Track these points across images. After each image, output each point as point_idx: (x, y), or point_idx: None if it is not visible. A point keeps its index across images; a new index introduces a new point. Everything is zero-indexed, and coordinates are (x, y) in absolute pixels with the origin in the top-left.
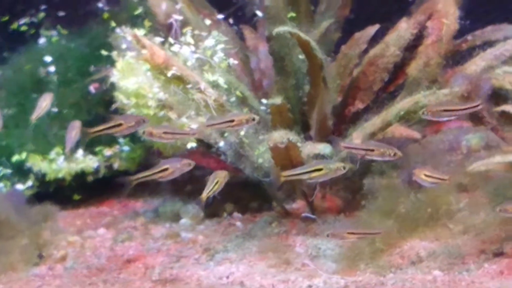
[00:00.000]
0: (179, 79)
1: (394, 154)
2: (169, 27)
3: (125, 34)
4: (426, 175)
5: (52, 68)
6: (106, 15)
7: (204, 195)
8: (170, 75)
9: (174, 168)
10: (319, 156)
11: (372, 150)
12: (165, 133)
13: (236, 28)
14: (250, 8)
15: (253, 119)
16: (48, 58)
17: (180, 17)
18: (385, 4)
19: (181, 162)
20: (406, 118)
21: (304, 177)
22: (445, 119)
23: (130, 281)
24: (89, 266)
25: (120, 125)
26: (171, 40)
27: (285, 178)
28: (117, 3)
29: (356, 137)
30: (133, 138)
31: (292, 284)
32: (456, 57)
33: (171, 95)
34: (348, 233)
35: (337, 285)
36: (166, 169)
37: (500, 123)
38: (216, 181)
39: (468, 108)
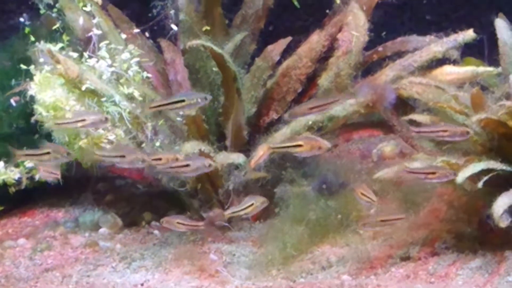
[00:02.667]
0: (93, 93)
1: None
2: (87, 41)
3: (42, 48)
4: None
5: None
6: (27, 30)
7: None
8: (84, 88)
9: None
10: (232, 166)
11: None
12: None
13: (153, 42)
14: (167, 21)
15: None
16: None
17: (99, 32)
18: (300, 17)
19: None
20: (315, 127)
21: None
22: None
23: None
24: (7, 276)
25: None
26: (87, 54)
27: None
28: (37, 18)
29: (261, 149)
30: None
31: None
32: (368, 68)
33: (87, 108)
34: None
35: None
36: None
37: (409, 131)
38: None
39: None
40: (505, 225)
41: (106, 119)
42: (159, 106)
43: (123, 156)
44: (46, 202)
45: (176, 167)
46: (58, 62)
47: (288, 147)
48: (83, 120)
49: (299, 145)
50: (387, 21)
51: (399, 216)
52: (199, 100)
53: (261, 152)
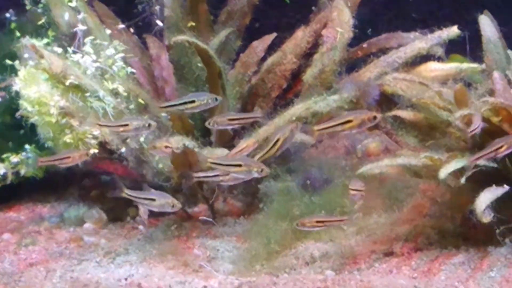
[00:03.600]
0: (77, 88)
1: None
2: (72, 36)
3: (27, 43)
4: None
5: None
6: (13, 25)
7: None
8: (68, 83)
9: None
10: None
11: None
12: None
13: (140, 37)
14: (153, 17)
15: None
16: None
17: (84, 27)
18: (286, 14)
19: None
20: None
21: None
22: None
23: (31, 284)
24: None
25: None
26: (71, 49)
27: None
28: (23, 13)
29: (244, 142)
30: (39, 145)
31: (189, 285)
32: (352, 65)
33: (71, 103)
34: None
35: (231, 285)
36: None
37: (393, 127)
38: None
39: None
40: (488, 221)
41: (150, 125)
42: (170, 106)
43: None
44: (31, 197)
45: None
46: (42, 57)
47: (336, 125)
48: (126, 125)
49: (348, 121)
50: (372, 19)
51: (337, 218)
52: (210, 101)
53: (244, 145)
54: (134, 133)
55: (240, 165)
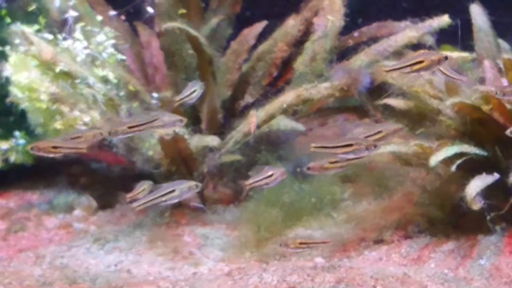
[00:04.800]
0: (67, 74)
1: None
2: (63, 23)
3: (17, 29)
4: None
5: None
6: (3, 12)
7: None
8: (58, 70)
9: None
10: (207, 148)
11: None
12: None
13: (130, 24)
14: (143, 5)
15: None
16: None
17: (75, 13)
18: (277, 3)
19: None
20: (290, 110)
21: None
22: None
23: (21, 270)
24: None
25: None
26: (61, 36)
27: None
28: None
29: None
30: (29, 131)
31: (178, 271)
32: (343, 53)
33: (61, 89)
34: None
35: (221, 272)
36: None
37: (384, 116)
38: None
39: None
40: (478, 208)
41: (181, 120)
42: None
43: None
44: (20, 184)
45: None
46: (31, 43)
47: (406, 66)
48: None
49: (419, 62)
50: (362, 8)
51: (320, 240)
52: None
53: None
54: (163, 129)
55: (351, 145)
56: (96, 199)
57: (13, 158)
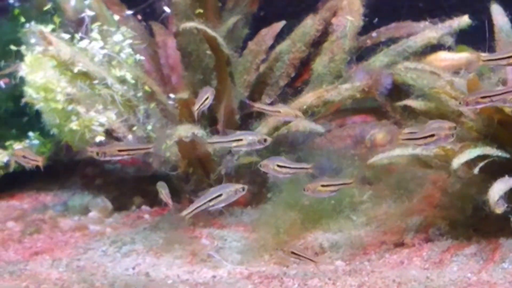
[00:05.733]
0: (85, 75)
1: None
2: (79, 22)
3: (34, 29)
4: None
5: None
6: (16, 11)
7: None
8: (76, 71)
9: None
10: (225, 150)
11: None
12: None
13: (146, 24)
14: (159, 4)
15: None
16: None
17: (92, 13)
18: (292, 3)
19: None
20: (309, 112)
21: None
22: None
23: (37, 273)
24: None
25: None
26: (78, 35)
27: None
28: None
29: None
30: (43, 132)
31: (197, 274)
32: (361, 53)
33: (78, 90)
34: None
35: (241, 275)
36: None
37: (403, 117)
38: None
39: None
40: (501, 211)
41: (265, 140)
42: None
43: None
44: (33, 185)
45: None
46: (50, 43)
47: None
48: (240, 140)
49: None
50: (379, 8)
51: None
52: None
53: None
54: (247, 148)
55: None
56: (110, 201)
57: None
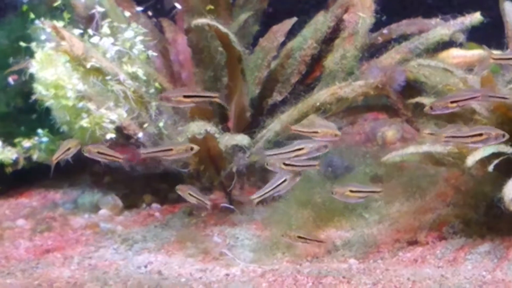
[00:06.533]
0: (98, 71)
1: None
2: (89, 19)
3: (44, 25)
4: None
5: None
6: (25, 7)
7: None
8: (89, 66)
9: None
10: (236, 147)
11: None
12: None
13: (155, 21)
14: (169, 1)
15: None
16: None
17: (102, 9)
18: None
19: None
20: (322, 109)
21: None
22: None
23: (49, 271)
24: (8, 256)
25: None
26: (90, 31)
27: None
28: None
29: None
30: (52, 129)
31: (210, 273)
32: (373, 50)
33: (90, 86)
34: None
35: (254, 273)
36: None
37: (414, 115)
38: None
39: None
40: None
41: (326, 146)
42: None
43: None
44: (42, 183)
45: None
46: (63, 39)
47: None
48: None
49: None
50: (388, 5)
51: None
52: None
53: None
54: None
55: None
56: (121, 198)
57: (35, 156)
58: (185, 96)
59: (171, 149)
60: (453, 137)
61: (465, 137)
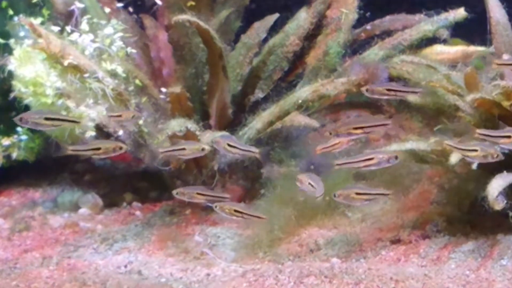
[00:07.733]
0: (76, 68)
1: None
2: (68, 15)
3: (22, 22)
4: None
5: None
6: (4, 4)
7: None
8: (66, 64)
9: None
10: None
11: None
12: None
13: (136, 17)
14: None
15: None
16: None
17: (81, 5)
18: None
19: None
20: (304, 106)
21: None
22: None
23: (27, 271)
24: None
25: None
26: (68, 28)
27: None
28: None
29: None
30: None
31: (191, 272)
32: (356, 47)
33: (69, 84)
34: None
35: (235, 273)
36: None
37: (398, 111)
38: None
39: None
40: (500, 207)
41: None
42: None
43: None
44: (22, 181)
45: None
46: (39, 36)
47: None
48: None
49: None
50: (371, 0)
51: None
52: None
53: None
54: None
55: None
56: (101, 197)
57: (15, 154)
58: None
59: (184, 149)
60: (486, 135)
61: (497, 137)
